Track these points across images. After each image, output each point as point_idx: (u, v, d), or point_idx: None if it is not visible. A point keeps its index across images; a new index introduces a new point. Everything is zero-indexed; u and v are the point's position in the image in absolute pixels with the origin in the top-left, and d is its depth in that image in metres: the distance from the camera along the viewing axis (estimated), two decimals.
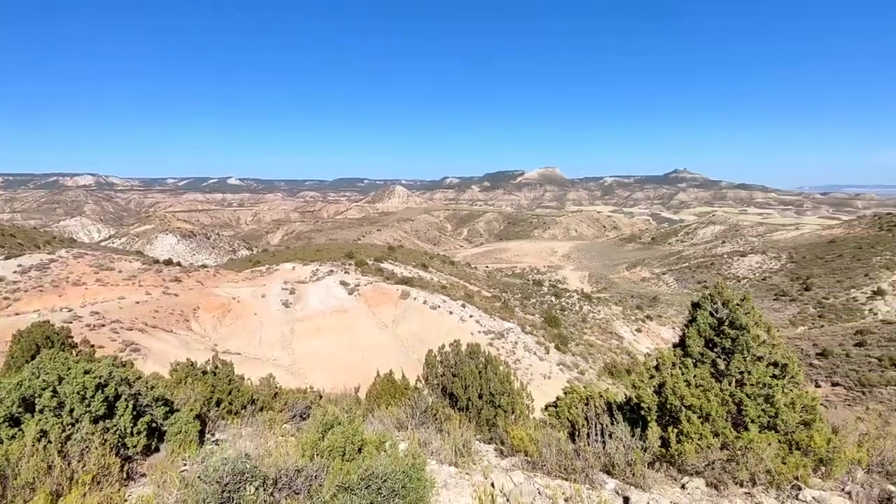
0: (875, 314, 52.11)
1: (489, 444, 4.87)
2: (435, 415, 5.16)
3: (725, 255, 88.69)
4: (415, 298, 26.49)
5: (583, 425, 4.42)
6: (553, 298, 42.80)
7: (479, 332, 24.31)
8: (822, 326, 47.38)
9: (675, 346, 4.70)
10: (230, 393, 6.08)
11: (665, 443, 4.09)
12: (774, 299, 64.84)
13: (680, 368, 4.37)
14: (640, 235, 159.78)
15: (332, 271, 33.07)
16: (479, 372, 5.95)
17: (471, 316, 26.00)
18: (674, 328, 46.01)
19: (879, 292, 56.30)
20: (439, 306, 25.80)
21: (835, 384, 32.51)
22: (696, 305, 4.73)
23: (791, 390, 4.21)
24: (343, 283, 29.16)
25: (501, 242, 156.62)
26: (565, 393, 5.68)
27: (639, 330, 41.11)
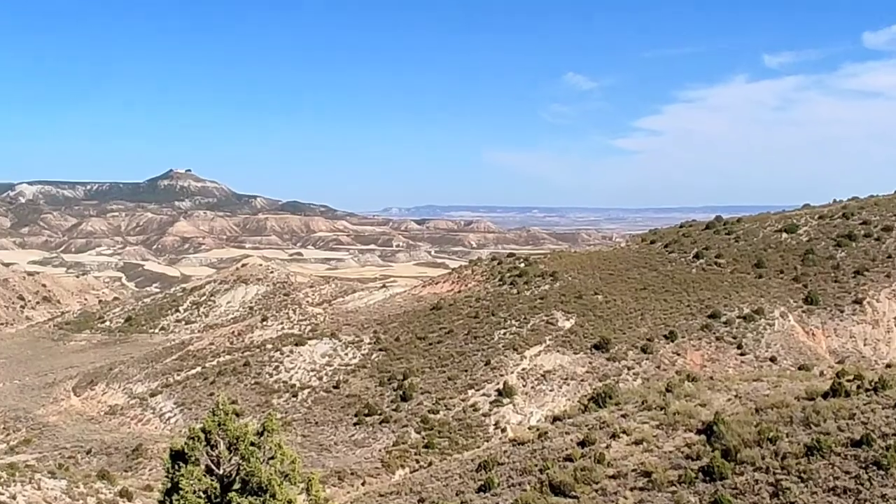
0: (503, 429, 73.62)
1: None
2: None
3: (270, 345, 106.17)
4: None
5: None
6: None
7: None
8: (432, 464, 60.95)
9: None
10: None
11: None
12: (356, 423, 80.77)
13: None
14: (105, 314, 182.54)
15: None
16: None
17: None
18: None
19: (507, 391, 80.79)
20: None
21: None
22: (178, 457, 7.17)
23: None
24: None
25: None
26: None
27: None
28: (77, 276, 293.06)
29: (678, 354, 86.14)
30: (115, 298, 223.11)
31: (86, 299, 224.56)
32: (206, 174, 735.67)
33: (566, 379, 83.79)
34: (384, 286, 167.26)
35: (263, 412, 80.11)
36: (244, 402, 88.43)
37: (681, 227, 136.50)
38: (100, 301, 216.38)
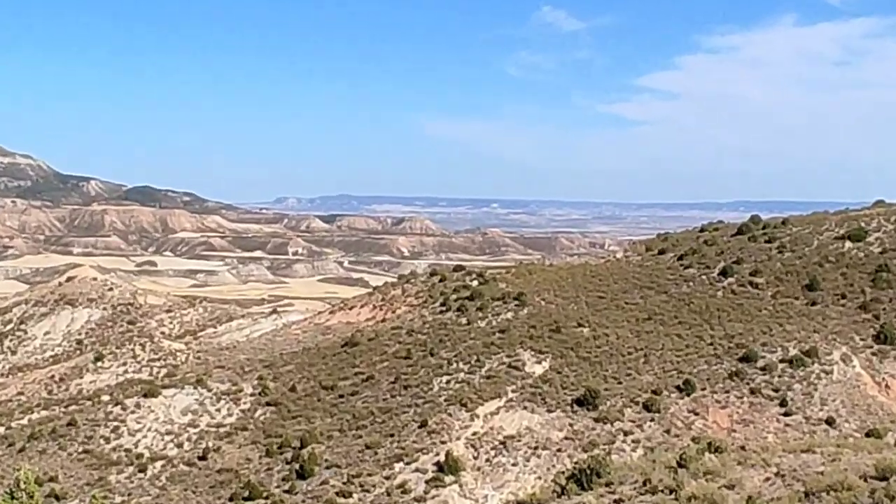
0: None
1: None
2: None
3: (107, 396, 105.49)
4: None
5: None
6: None
7: None
8: None
9: None
10: None
11: None
12: None
13: None
14: None
15: None
16: None
17: None
18: None
19: (451, 465, 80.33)
20: None
21: None
22: None
23: None
24: None
25: None
26: None
27: None
28: None
29: (696, 413, 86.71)
30: None
31: None
32: (15, 146, 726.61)
33: (536, 448, 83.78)
34: (275, 311, 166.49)
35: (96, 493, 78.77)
36: (67, 480, 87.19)
37: (702, 230, 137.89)
38: None
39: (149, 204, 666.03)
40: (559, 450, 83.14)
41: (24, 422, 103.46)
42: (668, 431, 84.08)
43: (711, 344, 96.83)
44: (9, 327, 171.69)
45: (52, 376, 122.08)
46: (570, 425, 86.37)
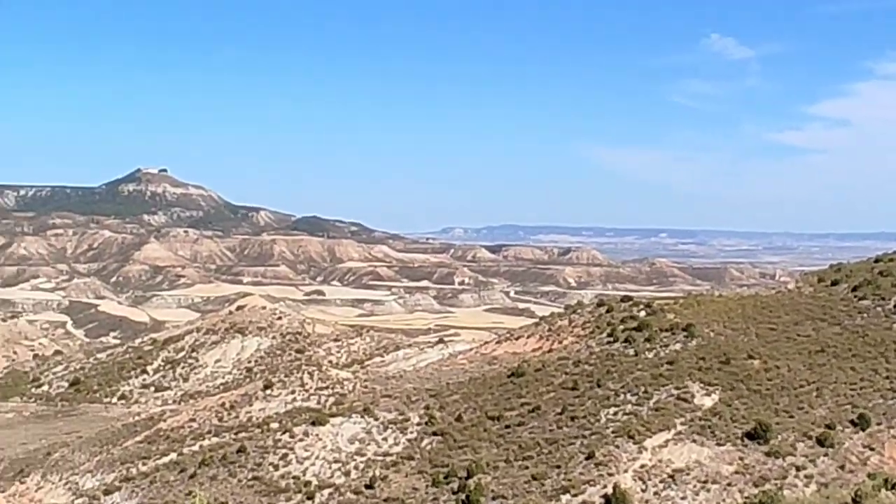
0: None
1: None
2: None
3: (276, 424, 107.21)
4: None
5: None
6: None
7: None
8: None
9: None
10: None
11: None
12: None
13: None
14: (42, 374, 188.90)
15: None
16: None
17: None
18: None
19: (619, 498, 79.82)
20: None
21: None
22: None
23: None
24: None
25: None
26: None
27: None
28: (3, 320, 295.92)
29: (871, 449, 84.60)
30: (58, 352, 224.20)
31: (15, 353, 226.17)
32: (188, 177, 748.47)
33: (705, 482, 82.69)
34: (441, 341, 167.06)
35: None
36: None
37: (877, 261, 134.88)
38: (35, 356, 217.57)
39: (317, 234, 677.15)
40: (729, 484, 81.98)
41: (196, 448, 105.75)
42: (842, 467, 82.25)
43: (888, 377, 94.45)
44: (181, 355, 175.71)
45: (223, 403, 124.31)
46: (741, 459, 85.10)
